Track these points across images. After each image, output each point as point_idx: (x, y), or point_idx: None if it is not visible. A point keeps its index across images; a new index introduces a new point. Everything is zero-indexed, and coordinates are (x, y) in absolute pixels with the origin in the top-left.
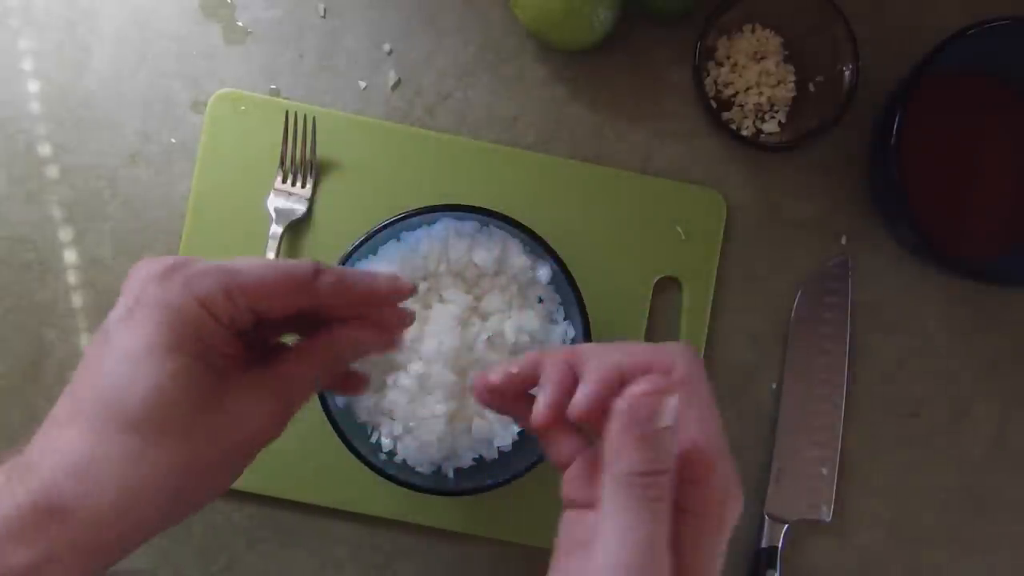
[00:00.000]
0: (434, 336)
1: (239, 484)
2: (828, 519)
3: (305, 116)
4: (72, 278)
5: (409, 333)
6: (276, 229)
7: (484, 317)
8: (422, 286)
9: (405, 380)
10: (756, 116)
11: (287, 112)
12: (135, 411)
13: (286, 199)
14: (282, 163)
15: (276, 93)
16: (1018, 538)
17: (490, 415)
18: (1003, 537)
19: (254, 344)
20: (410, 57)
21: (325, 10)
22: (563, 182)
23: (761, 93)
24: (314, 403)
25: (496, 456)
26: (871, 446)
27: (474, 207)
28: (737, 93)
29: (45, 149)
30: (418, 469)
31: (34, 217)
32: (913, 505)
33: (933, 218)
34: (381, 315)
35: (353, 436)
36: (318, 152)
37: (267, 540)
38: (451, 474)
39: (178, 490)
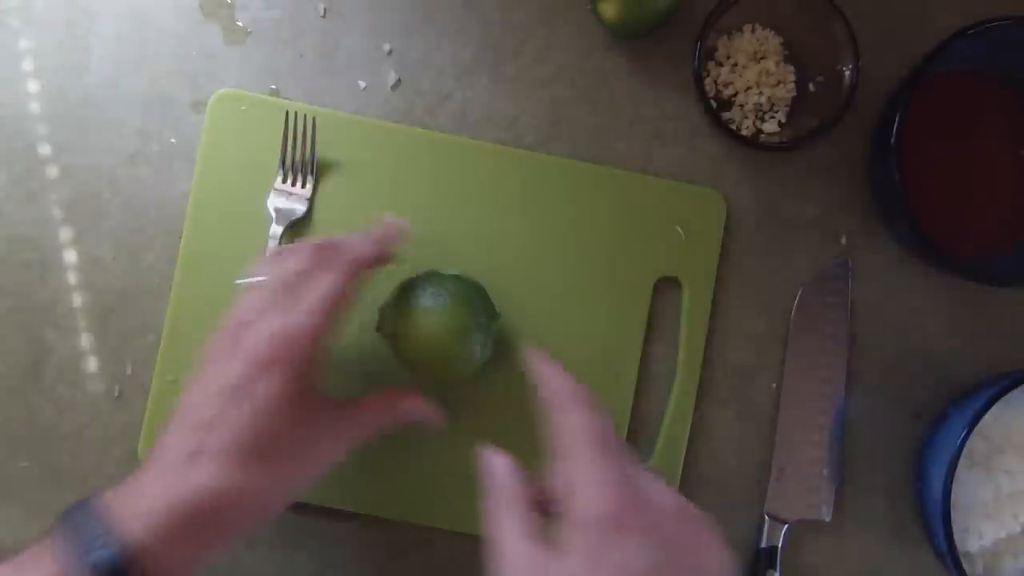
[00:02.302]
0: None
1: None
2: (828, 519)
3: (305, 116)
4: (72, 278)
5: None
6: (276, 229)
7: None
8: None
9: None
10: (756, 116)
11: (287, 112)
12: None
13: (286, 199)
14: (282, 163)
15: (276, 93)
16: None
17: None
18: None
19: None
20: (410, 57)
21: (325, 10)
22: (563, 182)
23: (761, 93)
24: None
25: None
26: (871, 446)
27: None
28: (737, 93)
29: (45, 149)
30: None
31: (34, 217)
32: (913, 505)
33: (933, 218)
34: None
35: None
36: (318, 152)
37: (267, 541)
38: None
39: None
